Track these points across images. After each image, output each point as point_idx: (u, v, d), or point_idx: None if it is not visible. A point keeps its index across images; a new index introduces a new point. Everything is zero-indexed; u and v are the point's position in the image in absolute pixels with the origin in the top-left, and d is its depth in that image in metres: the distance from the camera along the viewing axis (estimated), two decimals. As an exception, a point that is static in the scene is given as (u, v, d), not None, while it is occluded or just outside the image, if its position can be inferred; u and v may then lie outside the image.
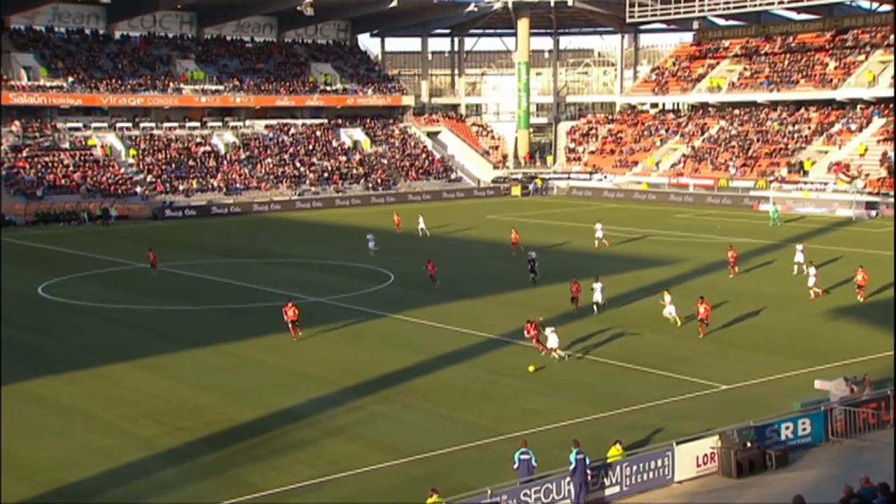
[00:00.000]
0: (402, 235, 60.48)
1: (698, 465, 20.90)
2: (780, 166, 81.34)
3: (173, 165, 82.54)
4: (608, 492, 19.81)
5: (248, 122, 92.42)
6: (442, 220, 68.93)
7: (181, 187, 79.84)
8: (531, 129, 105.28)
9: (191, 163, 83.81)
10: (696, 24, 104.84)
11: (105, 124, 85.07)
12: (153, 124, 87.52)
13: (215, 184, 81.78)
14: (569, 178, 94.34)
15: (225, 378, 29.01)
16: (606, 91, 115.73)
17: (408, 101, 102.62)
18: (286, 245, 58.82)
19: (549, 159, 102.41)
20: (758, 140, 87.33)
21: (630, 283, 42.55)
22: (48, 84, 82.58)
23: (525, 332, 30.56)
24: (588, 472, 19.08)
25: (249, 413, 25.47)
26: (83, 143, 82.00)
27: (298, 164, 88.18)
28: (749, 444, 20.95)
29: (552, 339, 29.64)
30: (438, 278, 42.22)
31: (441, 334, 34.22)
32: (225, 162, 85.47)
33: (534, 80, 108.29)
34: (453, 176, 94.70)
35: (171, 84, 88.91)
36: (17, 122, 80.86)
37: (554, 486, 19.06)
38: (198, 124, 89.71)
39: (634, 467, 20.12)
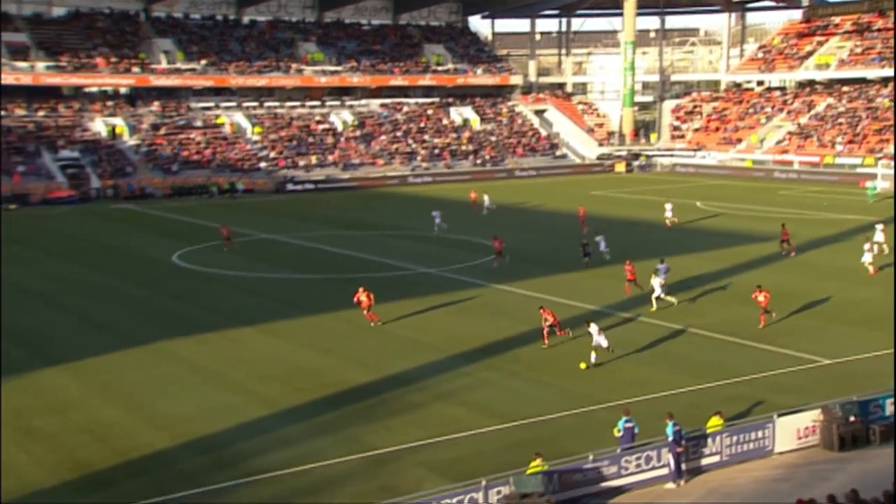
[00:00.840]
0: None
1: (799, 438, 20.35)
2: (889, 143, 77.84)
3: (294, 142, 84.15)
4: (708, 461, 19.49)
5: (364, 101, 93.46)
6: (547, 196, 68.53)
7: (301, 163, 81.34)
8: (636, 107, 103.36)
9: (310, 140, 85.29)
10: (805, 2, 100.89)
11: (233, 104, 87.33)
12: (277, 103, 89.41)
13: (333, 159, 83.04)
14: (672, 155, 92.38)
15: (342, 343, 29.55)
16: (711, 69, 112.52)
17: (516, 80, 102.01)
18: (398, 218, 59.36)
19: (653, 137, 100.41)
20: (867, 117, 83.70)
21: (729, 259, 41.55)
22: (184, 67, 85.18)
23: (543, 321, 28.30)
24: (683, 442, 18.81)
25: (365, 376, 25.91)
26: (213, 121, 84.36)
27: (411, 141, 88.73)
28: (852, 419, 20.28)
29: (596, 337, 26.27)
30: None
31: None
32: (342, 139, 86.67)
33: (639, 59, 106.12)
34: (559, 153, 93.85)
35: (294, 66, 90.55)
36: (156, 103, 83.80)
37: (655, 453, 18.88)
38: (317, 103, 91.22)
39: (735, 438, 19.72)
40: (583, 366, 26.11)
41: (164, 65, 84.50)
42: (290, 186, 76.84)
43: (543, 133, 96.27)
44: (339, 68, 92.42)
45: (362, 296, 31.44)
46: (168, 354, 28.13)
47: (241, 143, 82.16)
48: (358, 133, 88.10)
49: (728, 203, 61.58)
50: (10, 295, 36.21)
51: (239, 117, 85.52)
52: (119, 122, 79.56)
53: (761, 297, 30.30)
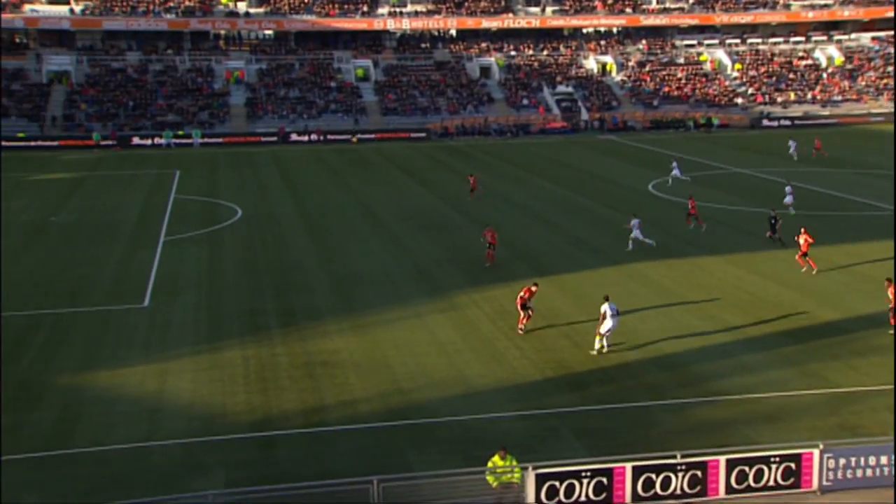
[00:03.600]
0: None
1: None
2: None
3: (774, 78, 79.57)
4: None
5: (853, 35, 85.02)
6: None
7: (779, 99, 76.78)
8: None
9: (791, 76, 79.97)
10: None
11: (716, 41, 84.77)
12: (759, 40, 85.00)
13: (813, 96, 77.10)
14: None
15: (805, 278, 27.82)
16: None
17: None
18: (881, 156, 53.63)
19: None
20: None
21: None
22: (672, 6, 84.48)
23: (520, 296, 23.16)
24: None
25: (829, 313, 24.24)
26: (695, 58, 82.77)
27: (902, 76, 79.11)
28: None
29: (607, 322, 21.23)
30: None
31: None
32: (825, 75, 79.95)
33: None
34: None
35: (781, 0, 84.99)
36: (643, 41, 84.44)
37: None
38: (802, 39, 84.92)
39: None
40: (592, 352, 21.53)
41: (653, 5, 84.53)
42: (765, 122, 73.17)
43: None
44: (828, 1, 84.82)
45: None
46: (639, 275, 28.72)
47: (721, 79, 79.74)
48: (843, 68, 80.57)
49: None
50: (514, 213, 39.53)
51: (720, 54, 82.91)
52: (609, 60, 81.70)
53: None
